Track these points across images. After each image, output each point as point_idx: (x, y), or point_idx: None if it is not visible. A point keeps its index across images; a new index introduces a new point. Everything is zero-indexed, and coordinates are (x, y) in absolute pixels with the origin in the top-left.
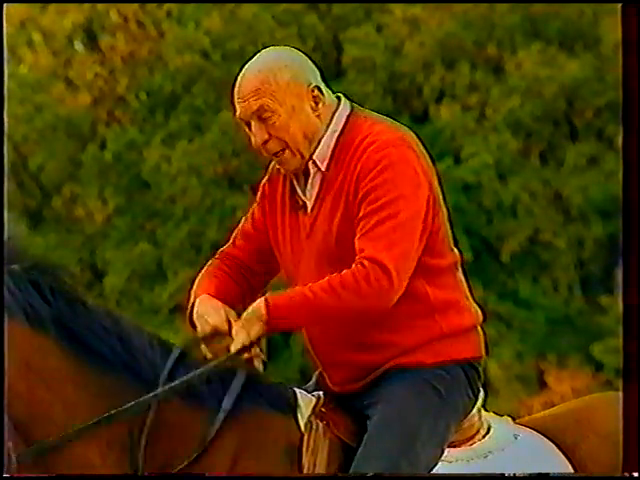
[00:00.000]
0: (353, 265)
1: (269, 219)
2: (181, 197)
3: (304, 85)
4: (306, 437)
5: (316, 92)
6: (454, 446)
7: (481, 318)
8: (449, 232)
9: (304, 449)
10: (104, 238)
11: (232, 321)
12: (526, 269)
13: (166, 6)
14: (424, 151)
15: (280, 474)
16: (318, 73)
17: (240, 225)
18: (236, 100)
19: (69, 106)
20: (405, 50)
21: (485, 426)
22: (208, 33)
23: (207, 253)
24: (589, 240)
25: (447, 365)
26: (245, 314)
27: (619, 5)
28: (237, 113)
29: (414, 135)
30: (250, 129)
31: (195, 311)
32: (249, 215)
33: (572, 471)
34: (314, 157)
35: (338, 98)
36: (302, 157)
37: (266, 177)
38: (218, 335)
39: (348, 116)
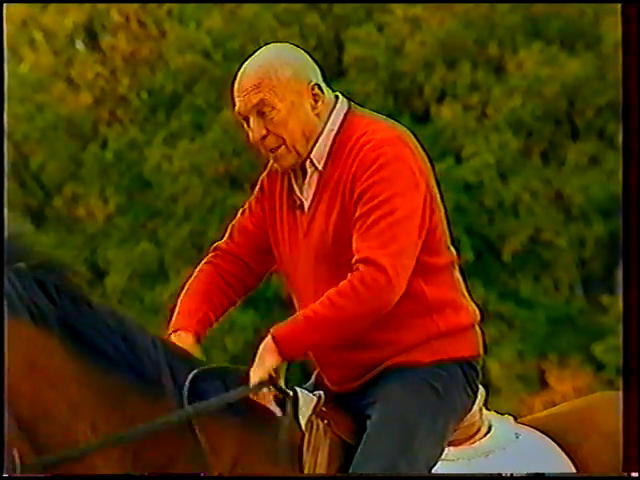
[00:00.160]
0: (349, 274)
1: (268, 216)
2: (182, 196)
3: (304, 82)
4: (307, 436)
5: (316, 90)
6: (455, 445)
7: (479, 317)
8: (446, 231)
9: (305, 448)
10: (105, 237)
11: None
12: (527, 268)
13: (167, 6)
14: (420, 150)
15: (281, 473)
16: (319, 71)
17: (236, 220)
18: (236, 95)
19: (70, 105)
20: (406, 49)
21: (486, 425)
22: (209, 32)
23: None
24: (590, 239)
25: (445, 364)
26: (257, 352)
27: (619, 5)
28: (236, 108)
29: (410, 134)
30: (248, 124)
31: None
32: (246, 209)
33: (574, 470)
34: (311, 156)
35: (336, 97)
36: (298, 154)
37: (265, 172)
38: None
39: (345, 115)
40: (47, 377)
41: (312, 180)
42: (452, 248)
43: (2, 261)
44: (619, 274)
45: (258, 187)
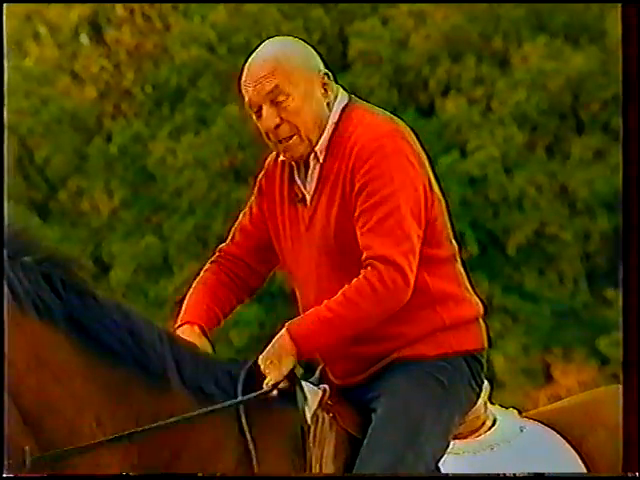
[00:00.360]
0: (362, 269)
1: (268, 213)
2: (187, 190)
3: (315, 70)
4: (312, 429)
5: (326, 79)
6: (460, 438)
7: (482, 310)
8: (447, 224)
9: (311, 441)
10: (110, 231)
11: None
12: (532, 262)
13: None
14: (417, 142)
15: (287, 467)
16: (322, 64)
17: (238, 221)
18: (246, 85)
19: (75, 99)
20: (411, 43)
21: (491, 418)
22: (214, 26)
23: (213, 246)
24: (595, 233)
25: (449, 357)
26: (272, 349)
27: (619, 5)
28: (247, 99)
29: (407, 127)
30: (259, 115)
31: None
32: (247, 211)
33: (580, 463)
34: (316, 148)
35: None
36: (310, 144)
37: (262, 172)
38: None
39: (344, 107)
40: (52, 371)
41: (314, 173)
42: (454, 241)
43: (1, 257)
44: None
45: (256, 188)
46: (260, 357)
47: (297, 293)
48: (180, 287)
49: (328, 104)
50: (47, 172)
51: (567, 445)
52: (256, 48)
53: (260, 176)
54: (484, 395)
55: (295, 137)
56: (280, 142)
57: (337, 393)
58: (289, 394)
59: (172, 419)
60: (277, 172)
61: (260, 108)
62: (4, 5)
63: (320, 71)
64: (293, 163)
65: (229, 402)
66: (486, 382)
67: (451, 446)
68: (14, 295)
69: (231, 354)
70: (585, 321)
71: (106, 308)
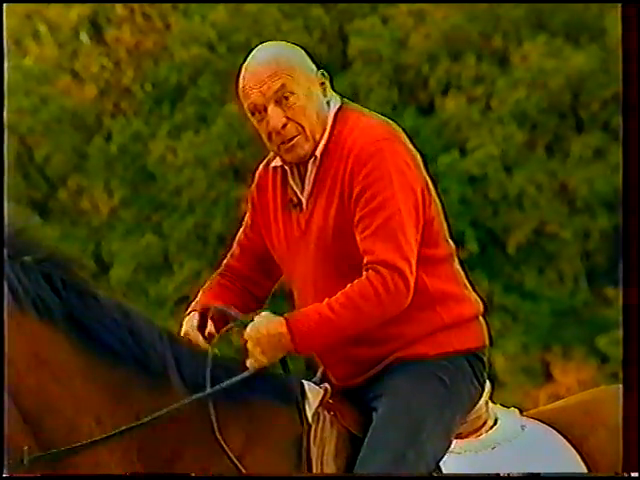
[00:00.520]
0: (364, 272)
1: (262, 222)
2: (187, 189)
3: (313, 71)
4: (314, 428)
5: (323, 79)
6: (462, 438)
7: (482, 308)
8: (444, 223)
9: (312, 440)
10: (110, 230)
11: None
12: (532, 261)
13: None
14: (410, 144)
15: (287, 465)
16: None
17: (237, 235)
18: (248, 89)
19: (75, 98)
20: (411, 42)
21: (492, 418)
22: (214, 25)
23: (213, 245)
24: (595, 232)
25: (450, 356)
26: (266, 337)
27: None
28: (249, 103)
29: (400, 129)
30: (262, 118)
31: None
32: (244, 224)
33: (580, 462)
34: (316, 152)
35: None
36: (314, 142)
37: (253, 184)
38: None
39: (337, 110)
40: (52, 371)
41: (311, 177)
42: (450, 241)
43: (2, 256)
44: None
45: (249, 200)
46: (250, 335)
47: (295, 295)
48: (180, 286)
49: (328, 103)
50: (47, 171)
51: (568, 445)
52: (248, 54)
53: (252, 188)
54: (486, 394)
55: (300, 137)
56: (284, 143)
57: (338, 392)
58: (290, 393)
59: (156, 413)
60: (269, 180)
61: (264, 110)
62: (4, 4)
63: (317, 71)
64: (287, 167)
65: (209, 390)
66: (488, 381)
67: (452, 446)
68: (14, 295)
69: (231, 354)
70: (585, 320)
71: (106, 308)
